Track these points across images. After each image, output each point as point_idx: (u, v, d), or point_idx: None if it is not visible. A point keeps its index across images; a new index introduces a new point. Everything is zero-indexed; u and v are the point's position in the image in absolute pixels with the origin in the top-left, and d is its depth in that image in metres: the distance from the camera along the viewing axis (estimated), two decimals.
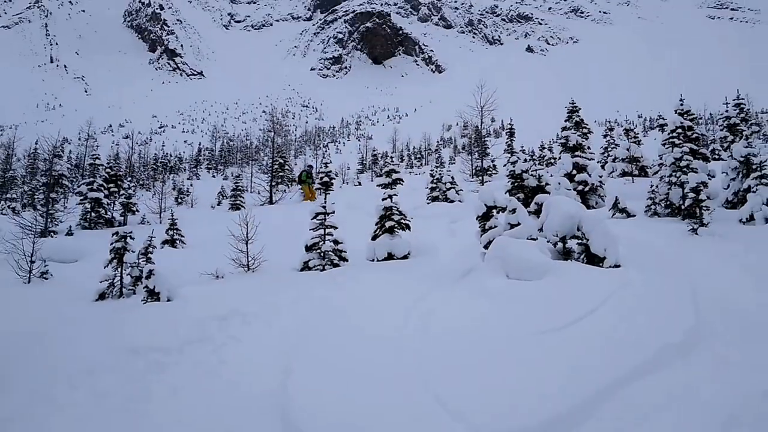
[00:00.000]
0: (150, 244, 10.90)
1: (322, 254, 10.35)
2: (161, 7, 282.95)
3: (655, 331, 5.25)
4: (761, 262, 7.77)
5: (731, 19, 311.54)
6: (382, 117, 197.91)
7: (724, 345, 5.05)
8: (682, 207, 12.65)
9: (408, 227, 11.36)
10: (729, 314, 5.74)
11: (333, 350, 5.64)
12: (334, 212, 10.74)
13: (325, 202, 10.66)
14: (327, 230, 10.60)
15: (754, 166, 12.51)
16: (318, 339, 6.05)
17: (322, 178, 11.39)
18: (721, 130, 20.25)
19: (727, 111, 19.55)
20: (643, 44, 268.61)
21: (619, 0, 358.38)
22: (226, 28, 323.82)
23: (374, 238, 11.26)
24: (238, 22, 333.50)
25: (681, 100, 16.26)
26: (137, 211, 22.99)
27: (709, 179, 15.01)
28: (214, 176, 67.08)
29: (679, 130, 14.52)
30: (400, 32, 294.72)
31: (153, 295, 8.74)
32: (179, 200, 37.82)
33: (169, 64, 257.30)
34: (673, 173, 13.26)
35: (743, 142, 13.79)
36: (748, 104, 26.75)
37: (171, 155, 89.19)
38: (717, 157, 24.64)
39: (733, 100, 20.37)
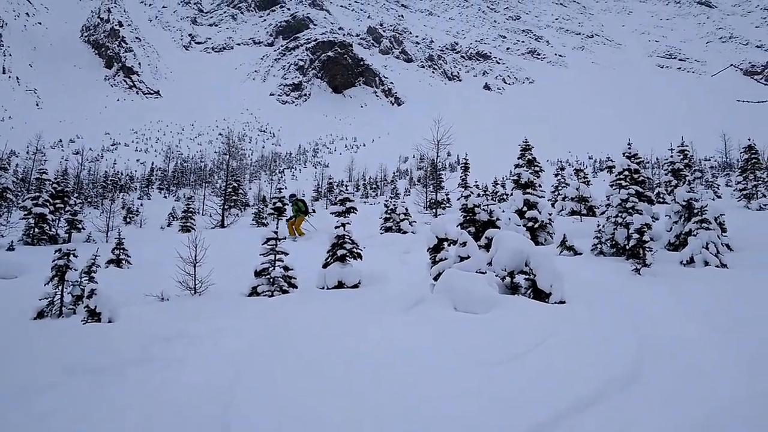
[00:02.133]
0: (94, 262, 10.65)
1: (271, 280, 10.27)
2: (120, 24, 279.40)
3: (597, 366, 5.36)
4: (699, 302, 8.03)
5: (679, 68, 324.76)
6: (340, 146, 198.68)
7: (662, 380, 5.18)
8: (627, 247, 13.00)
9: (360, 256, 11.38)
10: (668, 351, 5.90)
11: (279, 376, 5.59)
12: (285, 238, 10.70)
13: (277, 228, 10.62)
14: (277, 256, 10.55)
15: (695, 211, 12.97)
16: (264, 365, 5.98)
17: (274, 204, 11.36)
18: (666, 174, 20.99)
19: (671, 156, 20.28)
20: (595, 88, 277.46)
21: (574, 44, 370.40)
22: (186, 49, 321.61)
23: (325, 266, 11.25)
24: (199, 43, 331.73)
25: (629, 143, 16.81)
26: (83, 228, 22.43)
27: (654, 221, 15.46)
28: (165, 197, 66.12)
29: (626, 173, 14.98)
30: (361, 63, 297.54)
31: (94, 315, 8.52)
32: (128, 220, 37.11)
33: (125, 81, 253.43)
34: (619, 214, 13.65)
35: (686, 187, 14.29)
36: (691, 151, 27.81)
37: (122, 173, 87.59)
38: (662, 200, 25.47)
39: (678, 146, 21.19)
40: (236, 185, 37.09)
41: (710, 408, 4.54)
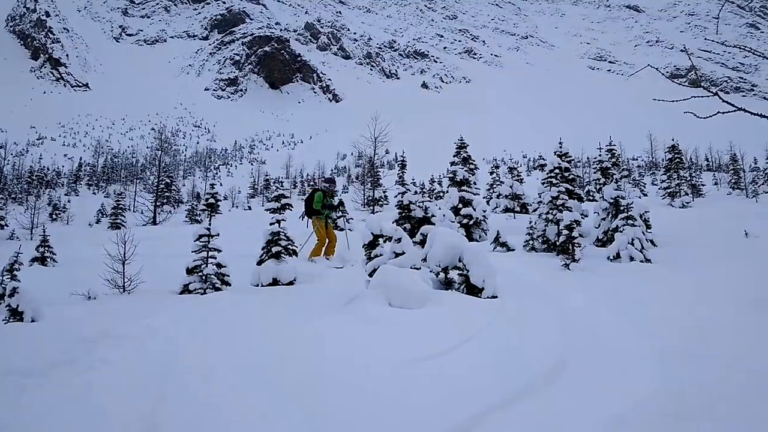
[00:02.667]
0: (16, 260, 10.23)
1: (203, 277, 10.08)
2: (47, 14, 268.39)
3: (527, 359, 5.47)
4: (623, 296, 8.33)
5: (609, 70, 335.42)
6: (277, 142, 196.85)
7: (588, 371, 5.33)
8: (557, 243, 13.36)
9: (295, 253, 11.31)
10: (592, 345, 6.08)
11: (209, 376, 5.49)
12: (218, 235, 10.52)
13: (210, 224, 10.43)
14: (210, 253, 10.36)
15: (621, 208, 13.43)
16: (194, 365, 5.86)
17: (207, 200, 11.13)
18: (595, 172, 21.62)
19: (600, 155, 20.93)
20: (530, 88, 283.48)
21: (509, 45, 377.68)
22: (117, 41, 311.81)
23: (260, 263, 11.12)
24: (130, 35, 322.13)
25: (560, 142, 17.25)
26: (6, 225, 21.59)
27: (583, 218, 15.94)
28: (94, 193, 64.14)
29: (557, 171, 15.37)
30: (299, 59, 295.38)
31: (16, 314, 8.17)
32: (54, 216, 35.83)
33: (52, 73, 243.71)
34: (550, 211, 14.02)
35: (613, 185, 14.78)
36: (620, 150, 28.75)
37: (49, 169, 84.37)
38: (592, 198, 26.29)
39: (606, 146, 21.89)
40: (169, 181, 36.31)
41: (628, 402, 4.68)
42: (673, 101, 2.97)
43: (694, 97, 2.65)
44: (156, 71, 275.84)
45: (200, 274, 10.11)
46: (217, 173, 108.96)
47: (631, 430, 4.25)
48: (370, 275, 9.21)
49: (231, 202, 56.66)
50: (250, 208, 49.56)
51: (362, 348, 5.86)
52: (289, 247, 11.13)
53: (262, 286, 10.62)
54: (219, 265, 10.36)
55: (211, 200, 11.07)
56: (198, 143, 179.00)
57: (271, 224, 11.18)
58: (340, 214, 18.43)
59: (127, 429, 4.60)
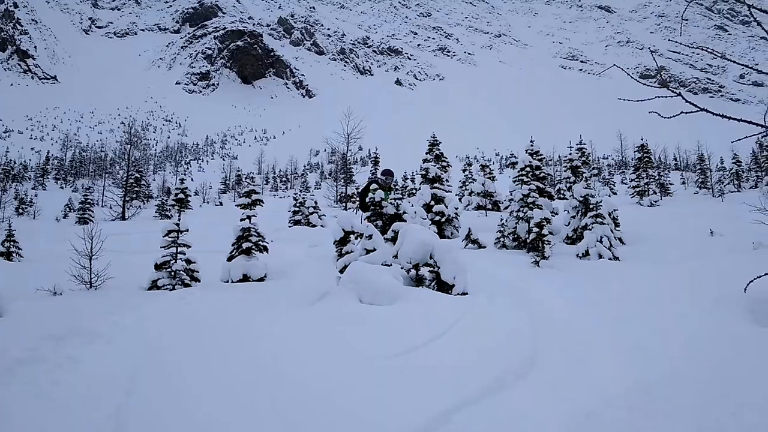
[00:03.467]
0: None
1: (172, 273, 9.98)
2: (15, 5, 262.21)
3: (497, 355, 5.52)
4: (591, 293, 8.45)
5: (581, 70, 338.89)
6: (249, 137, 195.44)
7: (557, 367, 5.40)
8: (528, 240, 13.49)
9: (266, 249, 11.25)
10: (560, 340, 6.16)
11: (177, 374, 5.44)
12: (188, 230, 10.43)
13: (179, 220, 10.33)
14: (179, 249, 10.26)
15: (591, 206, 13.60)
16: (161, 362, 5.80)
17: (177, 195, 11.01)
18: (566, 171, 21.86)
19: (571, 154, 21.14)
20: (503, 87, 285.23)
21: (483, 43, 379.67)
22: (86, 33, 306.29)
23: (230, 259, 11.05)
24: (100, 27, 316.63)
25: (531, 141, 17.39)
26: None
27: (553, 216, 16.12)
28: (62, 187, 63.11)
29: (528, 169, 15.49)
30: (272, 54, 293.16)
31: None
32: (21, 211, 35.21)
33: (20, 65, 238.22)
34: (521, 209, 14.14)
35: (583, 184, 14.96)
36: (590, 149, 29.09)
37: (15, 162, 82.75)
38: (562, 196, 26.59)
39: (577, 144, 22.10)
40: (138, 176, 35.86)
41: (596, 397, 4.75)
42: (638, 101, 3.02)
43: (659, 97, 2.70)
44: (126, 64, 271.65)
45: (169, 270, 10.01)
46: (188, 168, 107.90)
47: (599, 425, 4.31)
48: (341, 272, 9.20)
49: (202, 197, 56.18)
50: (221, 204, 49.18)
51: (332, 345, 5.86)
52: (260, 243, 11.07)
53: (233, 282, 10.56)
54: (188, 261, 10.27)
55: (181, 195, 10.95)
56: (169, 138, 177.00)
57: (241, 220, 11.12)
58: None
59: (95, 428, 4.55)
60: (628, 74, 3.03)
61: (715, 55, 2.60)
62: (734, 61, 2.73)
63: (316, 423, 4.25)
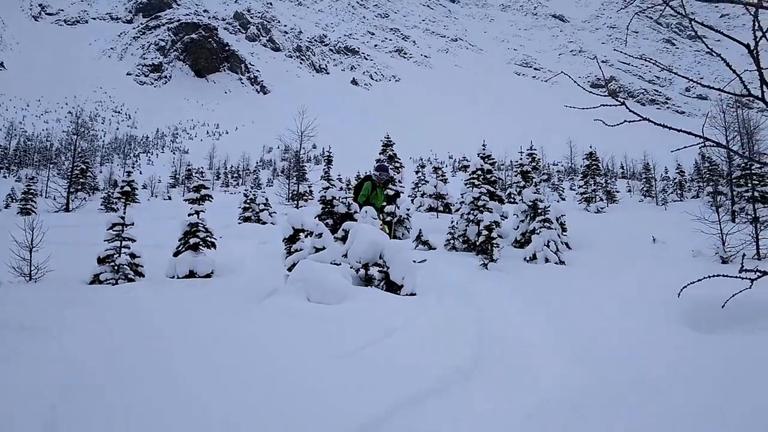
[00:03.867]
0: None
1: (116, 267, 9.75)
2: None
3: (443, 355, 5.56)
4: (538, 296, 8.61)
5: (534, 77, 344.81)
6: (201, 132, 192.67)
7: (501, 368, 5.48)
8: (477, 243, 13.65)
9: (214, 245, 11.09)
10: (505, 342, 6.25)
11: (119, 372, 5.31)
12: (133, 224, 10.20)
13: (125, 213, 10.10)
14: (124, 242, 10.03)
15: (539, 211, 13.85)
16: (103, 359, 5.65)
17: (123, 188, 10.77)
18: (516, 176, 22.21)
19: (521, 159, 21.48)
20: (458, 90, 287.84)
21: (439, 47, 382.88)
22: (36, 20, 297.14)
23: (176, 254, 10.85)
24: (50, 14, 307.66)
25: (483, 145, 17.58)
26: None
27: (503, 220, 16.33)
28: (5, 176, 61.13)
29: (480, 173, 15.67)
30: (227, 48, 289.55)
31: None
32: None
33: None
34: (472, 211, 14.30)
35: (533, 189, 15.22)
36: (540, 155, 29.61)
37: None
38: (512, 200, 26.99)
39: (527, 150, 22.51)
40: (85, 167, 34.88)
41: (539, 398, 4.85)
42: (583, 108, 3.10)
43: (604, 105, 2.77)
44: (76, 53, 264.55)
45: (112, 263, 9.78)
46: (137, 161, 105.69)
47: (539, 425, 4.39)
48: (290, 269, 9.15)
49: (150, 191, 55.15)
50: (170, 198, 48.34)
51: (277, 343, 5.81)
52: (208, 239, 10.91)
53: (178, 278, 10.37)
54: (133, 255, 10.04)
55: (127, 188, 10.71)
56: (118, 129, 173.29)
57: (189, 215, 10.94)
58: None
59: (25, 429, 4.39)
60: (576, 82, 3.09)
61: (661, 67, 2.68)
62: (679, 74, 2.82)
63: (258, 422, 4.21)
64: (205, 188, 11.08)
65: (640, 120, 2.68)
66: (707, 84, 2.39)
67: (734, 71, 2.57)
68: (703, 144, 2.71)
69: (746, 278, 2.77)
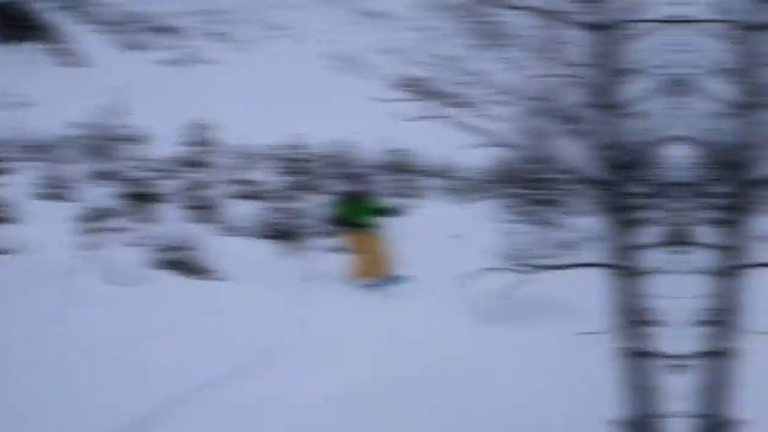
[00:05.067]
0: None
1: None
2: None
3: (248, 339, 5.50)
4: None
5: (348, 72, 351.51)
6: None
7: (310, 355, 5.52)
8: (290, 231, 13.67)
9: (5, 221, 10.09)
10: (317, 326, 6.27)
11: None
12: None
13: None
14: None
15: None
16: None
17: None
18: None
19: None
20: (272, 79, 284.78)
21: (258, 33, 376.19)
22: None
23: None
24: None
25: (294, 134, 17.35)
26: None
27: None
28: None
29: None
30: (35, 16, 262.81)
31: None
32: None
33: None
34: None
35: None
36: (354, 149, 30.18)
37: None
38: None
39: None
40: None
41: (344, 384, 4.95)
42: (387, 101, 3.27)
43: (405, 100, 2.97)
44: None
45: None
46: None
47: (346, 406, 4.53)
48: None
49: None
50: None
51: (80, 328, 5.43)
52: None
53: None
54: None
55: None
56: None
57: None
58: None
59: None
60: (385, 81, 3.24)
61: (465, 71, 2.92)
62: (484, 78, 3.06)
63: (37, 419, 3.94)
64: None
65: (436, 117, 2.87)
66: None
67: None
68: (494, 145, 2.92)
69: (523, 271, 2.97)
